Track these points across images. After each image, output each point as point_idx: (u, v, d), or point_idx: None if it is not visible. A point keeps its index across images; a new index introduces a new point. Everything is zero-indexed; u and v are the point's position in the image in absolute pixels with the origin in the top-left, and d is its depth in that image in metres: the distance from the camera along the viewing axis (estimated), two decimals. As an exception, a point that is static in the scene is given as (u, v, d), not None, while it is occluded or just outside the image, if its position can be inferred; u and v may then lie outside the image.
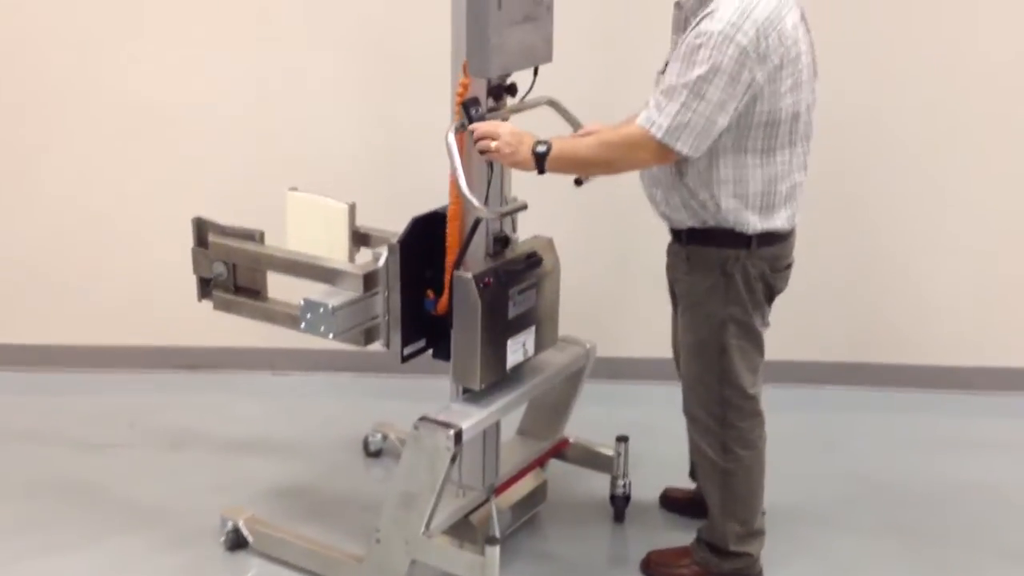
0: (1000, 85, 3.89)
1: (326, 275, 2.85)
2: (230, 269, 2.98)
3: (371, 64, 3.98)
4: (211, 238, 2.98)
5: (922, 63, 3.88)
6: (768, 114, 2.57)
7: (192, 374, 4.25)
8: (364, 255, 2.99)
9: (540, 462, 3.30)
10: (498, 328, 2.80)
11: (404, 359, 2.88)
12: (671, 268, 2.89)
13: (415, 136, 3.84)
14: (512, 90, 2.75)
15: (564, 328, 3.09)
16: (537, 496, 3.28)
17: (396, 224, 2.89)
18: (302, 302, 2.79)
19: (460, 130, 2.64)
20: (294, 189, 3.02)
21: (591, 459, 3.37)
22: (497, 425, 3.01)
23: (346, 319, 2.79)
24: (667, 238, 2.85)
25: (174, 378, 4.23)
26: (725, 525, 2.94)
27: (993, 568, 3.16)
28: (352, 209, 2.97)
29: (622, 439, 3.29)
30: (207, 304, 3.05)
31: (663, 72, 2.64)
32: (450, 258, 2.78)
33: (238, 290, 3.01)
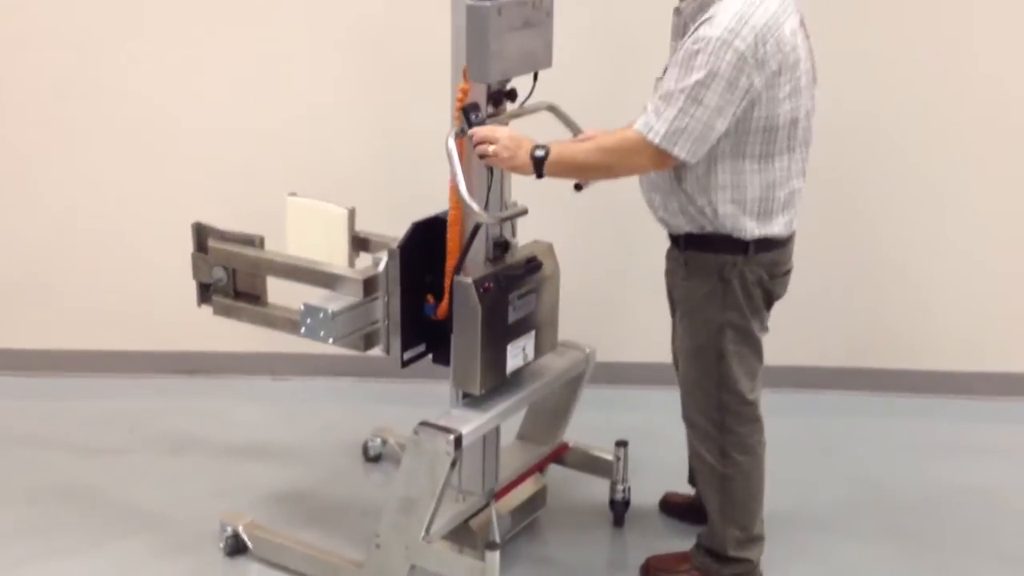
0: (998, 90, 3.90)
1: (326, 280, 2.86)
2: (230, 274, 2.98)
3: (371, 69, 3.99)
4: (211, 243, 2.98)
5: (920, 69, 3.88)
6: (766, 120, 2.58)
7: (192, 379, 4.25)
8: (364, 260, 2.99)
9: (540, 467, 3.30)
10: (498, 333, 2.81)
11: (404, 364, 2.88)
12: (670, 273, 2.89)
13: (415, 141, 3.85)
14: (512, 95, 2.76)
15: (564, 333, 3.09)
16: (537, 501, 3.28)
17: (395, 229, 2.89)
18: (302, 307, 2.79)
19: (460, 135, 2.65)
20: (293, 194, 3.02)
21: (591, 464, 3.37)
22: (497, 430, 3.01)
23: (346, 324, 2.79)
24: (666, 243, 2.85)
25: (174, 383, 4.23)
26: (724, 530, 2.94)
27: (992, 572, 3.16)
28: (352, 214, 2.97)
29: (621, 444, 3.29)
30: (207, 309, 3.05)
31: (662, 78, 2.65)
32: (450, 263, 2.78)
33: (238, 295, 3.01)
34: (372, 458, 3.68)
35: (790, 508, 3.35)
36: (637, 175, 2.77)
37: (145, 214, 4.13)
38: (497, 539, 2.95)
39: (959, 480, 3.60)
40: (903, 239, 4.06)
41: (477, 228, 2.74)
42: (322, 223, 2.97)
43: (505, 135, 2.61)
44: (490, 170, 2.72)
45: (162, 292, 4.01)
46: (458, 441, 2.70)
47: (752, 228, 2.67)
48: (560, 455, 3.36)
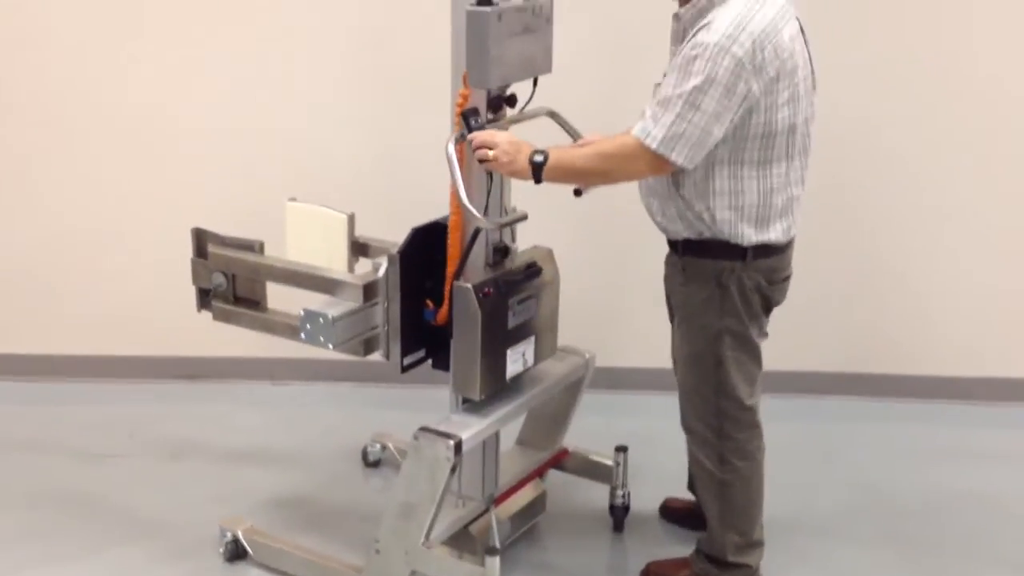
0: (998, 98, 3.90)
1: (326, 285, 2.86)
2: (229, 279, 2.99)
3: (371, 74, 3.99)
4: (210, 248, 2.99)
5: (919, 77, 3.88)
6: (764, 126, 2.58)
7: (192, 384, 4.25)
8: (363, 265, 2.99)
9: (539, 472, 3.30)
10: (498, 338, 2.81)
11: (404, 369, 2.88)
12: (668, 279, 2.89)
13: (415, 147, 3.85)
14: (512, 101, 2.76)
15: (563, 338, 3.09)
16: (536, 506, 3.28)
17: (395, 234, 2.89)
18: (302, 312, 2.80)
19: (460, 141, 2.65)
20: (293, 199, 3.02)
21: (590, 469, 3.37)
22: (497, 435, 3.02)
23: (346, 329, 2.79)
24: (666, 248, 2.85)
25: (174, 388, 4.23)
26: (724, 536, 2.94)
27: (992, 578, 3.17)
28: (351, 219, 2.97)
29: (621, 449, 3.29)
30: (207, 314, 3.06)
31: (660, 83, 2.65)
32: (451, 268, 2.78)
33: (237, 300, 3.01)
34: (372, 463, 3.68)
35: (790, 513, 3.35)
36: (636, 180, 2.77)
37: (145, 219, 4.13)
38: (497, 544, 2.95)
39: (959, 485, 3.60)
40: (903, 245, 4.06)
41: (477, 233, 2.74)
42: (322, 228, 2.97)
43: (504, 140, 2.61)
44: (489, 175, 2.72)
45: (162, 297, 4.01)
46: (458, 446, 2.70)
47: (750, 234, 2.67)
48: (560, 460, 3.36)
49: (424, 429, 2.75)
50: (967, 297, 4.08)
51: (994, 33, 3.85)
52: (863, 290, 4.11)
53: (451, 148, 2.63)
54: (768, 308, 2.81)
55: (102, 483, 3.55)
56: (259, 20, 3.95)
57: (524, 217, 2.80)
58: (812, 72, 2.71)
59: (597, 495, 3.38)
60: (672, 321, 2.97)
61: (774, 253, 2.74)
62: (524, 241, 3.01)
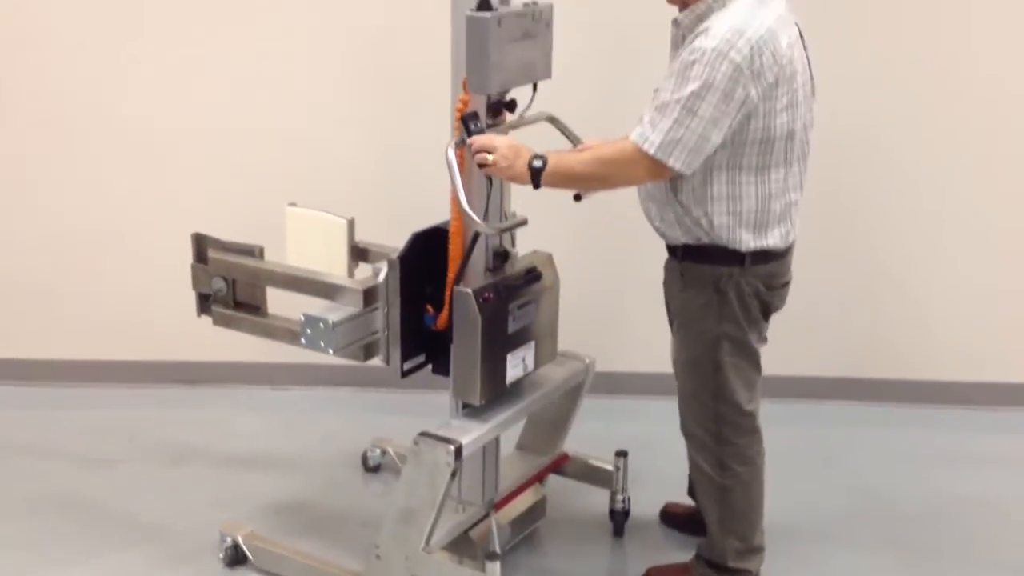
0: (997, 101, 3.90)
1: (326, 290, 2.86)
2: (230, 285, 2.99)
3: (371, 79, 3.99)
4: (211, 254, 2.99)
5: (918, 82, 3.89)
6: (763, 132, 2.57)
7: (192, 389, 4.25)
8: (363, 270, 2.99)
9: (539, 477, 3.30)
10: (498, 343, 2.81)
11: (404, 374, 2.88)
12: (667, 284, 2.89)
13: (415, 151, 3.85)
14: (511, 106, 2.77)
15: (563, 343, 3.09)
16: (536, 511, 3.27)
17: (394, 239, 2.89)
18: (302, 317, 2.80)
19: (460, 145, 2.65)
20: (293, 204, 3.03)
21: (590, 474, 3.37)
22: (497, 440, 3.01)
23: (346, 334, 2.79)
24: (666, 254, 2.85)
25: (174, 393, 4.23)
26: (724, 542, 2.94)
27: (991, 583, 3.17)
28: (351, 224, 2.97)
29: (621, 454, 3.29)
30: (207, 319, 3.06)
31: (659, 89, 2.65)
32: (452, 274, 2.78)
33: (238, 305, 3.01)
34: (372, 468, 3.67)
35: (790, 518, 3.35)
36: (635, 186, 2.77)
37: (144, 223, 4.13)
38: (497, 549, 2.95)
39: (958, 490, 3.60)
40: (902, 250, 4.06)
41: (476, 237, 2.74)
42: (322, 233, 2.98)
43: (504, 144, 2.61)
44: (489, 180, 2.72)
45: (162, 302, 4.01)
46: (458, 451, 2.70)
47: (748, 240, 2.67)
48: (560, 465, 3.36)
49: (424, 434, 2.75)
50: (966, 302, 4.09)
51: (993, 37, 3.86)
52: (862, 295, 4.11)
53: (451, 153, 2.63)
54: (767, 314, 2.81)
55: (102, 488, 3.55)
56: (259, 21, 3.95)
57: (524, 222, 2.81)
58: (811, 78, 2.71)
59: (597, 500, 3.37)
60: (672, 326, 2.97)
61: (773, 259, 2.74)
62: (524, 246, 3.01)
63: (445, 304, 2.79)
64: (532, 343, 2.93)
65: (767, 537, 3.01)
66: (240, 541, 3.12)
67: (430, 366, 2.94)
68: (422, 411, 3.21)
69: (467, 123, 2.64)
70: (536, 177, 2.60)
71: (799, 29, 2.68)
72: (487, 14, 2.56)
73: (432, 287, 2.84)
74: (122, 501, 3.48)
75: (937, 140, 3.94)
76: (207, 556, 3.16)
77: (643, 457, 3.45)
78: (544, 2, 2.74)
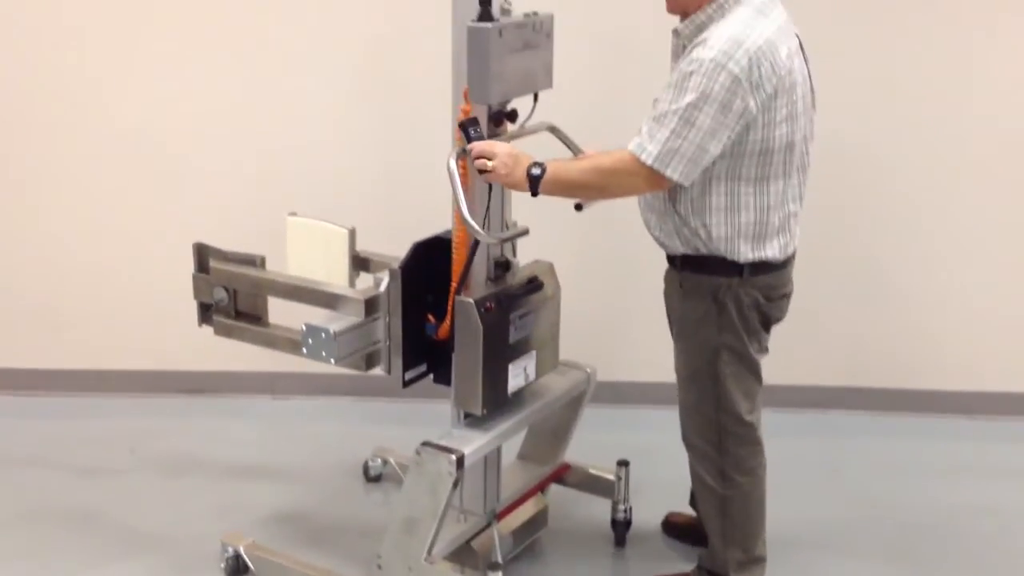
0: (999, 113, 3.90)
1: (328, 300, 2.86)
2: (231, 294, 2.99)
3: (372, 89, 4.00)
4: (212, 263, 2.99)
5: (920, 91, 3.89)
6: (762, 143, 2.57)
7: (193, 398, 4.25)
8: (364, 280, 2.99)
9: (541, 487, 3.30)
10: (499, 353, 2.81)
11: (405, 384, 2.88)
12: (667, 294, 2.89)
13: (416, 161, 3.87)
14: (512, 116, 2.77)
15: (565, 352, 3.09)
16: (538, 521, 3.27)
17: (396, 249, 2.90)
18: (303, 327, 2.80)
19: (462, 156, 2.66)
20: (294, 214, 3.03)
21: (592, 484, 3.37)
22: (498, 450, 3.01)
23: (347, 344, 2.79)
24: (666, 263, 2.85)
25: (175, 403, 4.23)
26: (726, 552, 2.93)
27: (995, 593, 3.16)
28: (352, 234, 2.97)
29: (623, 464, 3.29)
30: (208, 329, 3.06)
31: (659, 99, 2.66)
32: (455, 283, 2.78)
33: (239, 315, 3.01)
34: (373, 478, 3.67)
35: (791, 528, 3.34)
36: (633, 196, 2.77)
37: (146, 234, 4.13)
38: (499, 559, 2.95)
39: (959, 499, 3.59)
40: (903, 260, 4.06)
41: (476, 246, 2.74)
42: (323, 243, 2.98)
43: (504, 151, 2.61)
44: (489, 188, 2.72)
45: (163, 311, 4.02)
46: (460, 461, 2.70)
47: (746, 251, 2.67)
48: (561, 475, 3.36)
49: (426, 444, 2.75)
50: (967, 312, 4.08)
51: (994, 50, 3.86)
52: (864, 305, 4.11)
53: (453, 163, 2.63)
54: (767, 325, 2.81)
55: (103, 498, 3.55)
56: (263, 32, 3.96)
57: (525, 232, 2.80)
58: (812, 90, 2.71)
59: (599, 510, 3.37)
60: (673, 336, 2.97)
61: (772, 270, 2.73)
62: (525, 255, 3.01)
63: (447, 314, 2.79)
64: (533, 353, 2.93)
65: (769, 547, 3.00)
66: (242, 551, 3.11)
67: (431, 376, 2.94)
68: (423, 421, 3.21)
69: (466, 129, 2.65)
70: (534, 184, 2.60)
71: (799, 40, 2.68)
72: (488, 25, 2.56)
73: (433, 296, 2.84)
74: (123, 511, 3.48)
75: (938, 151, 3.94)
76: (209, 566, 3.16)
77: (645, 467, 3.45)
78: (545, 13, 2.75)
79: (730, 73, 2.47)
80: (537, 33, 2.71)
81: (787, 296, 2.84)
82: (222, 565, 3.12)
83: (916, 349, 4.13)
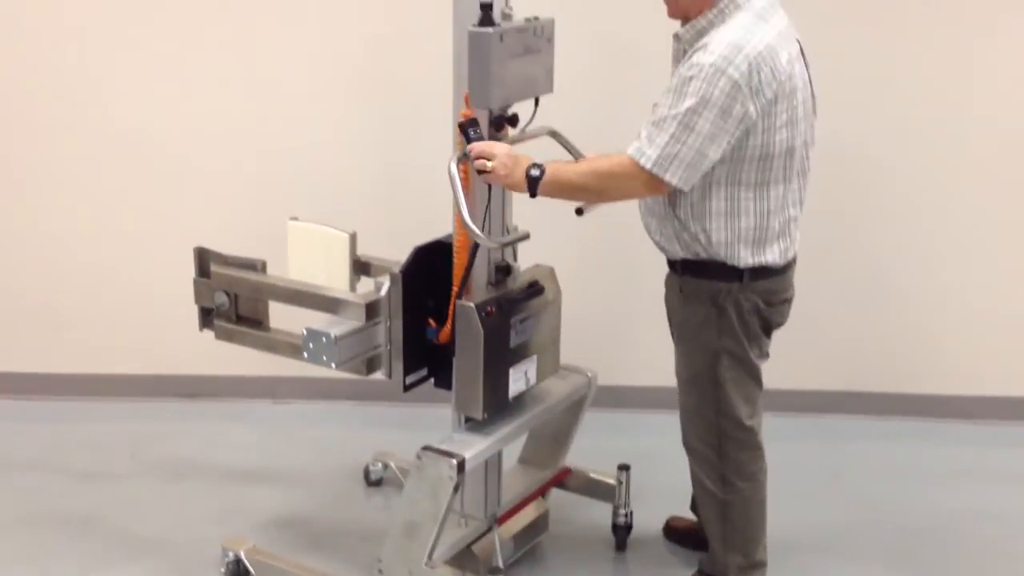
0: (999, 116, 3.91)
1: (328, 304, 2.86)
2: (232, 299, 2.99)
3: (373, 93, 4.00)
4: (213, 268, 2.99)
5: (920, 95, 3.90)
6: (762, 148, 2.57)
7: (193, 403, 4.25)
8: (365, 284, 3.00)
9: (542, 491, 3.29)
10: (500, 357, 2.81)
11: (406, 388, 2.88)
12: (668, 299, 2.89)
13: (416, 165, 3.87)
14: (513, 121, 2.77)
15: (566, 357, 3.09)
16: (539, 526, 3.27)
17: (397, 253, 2.90)
18: (304, 331, 2.80)
19: (463, 160, 2.66)
20: (295, 218, 3.03)
21: (593, 488, 3.36)
22: (499, 454, 3.01)
23: (348, 348, 2.79)
24: (667, 268, 2.85)
25: (175, 407, 4.23)
26: (726, 557, 2.93)
27: (996, 597, 3.16)
28: (353, 238, 2.97)
29: (624, 468, 3.29)
30: (209, 333, 3.06)
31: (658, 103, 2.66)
32: (456, 287, 2.78)
33: (240, 320, 3.01)
34: (373, 482, 3.67)
35: (792, 533, 3.34)
36: (632, 199, 2.77)
37: (147, 237, 4.13)
38: (500, 564, 2.95)
39: (960, 504, 3.59)
40: (904, 264, 4.06)
41: (476, 250, 2.74)
42: (323, 247, 2.98)
43: (503, 152, 2.61)
44: (489, 191, 2.72)
45: (163, 315, 4.02)
46: (461, 466, 2.70)
47: (746, 256, 2.67)
48: (562, 479, 3.36)
49: (427, 448, 2.75)
50: (968, 316, 4.08)
51: (994, 53, 3.87)
52: (865, 309, 4.11)
53: (454, 167, 2.63)
54: (768, 329, 2.81)
55: (103, 502, 3.55)
56: (262, 34, 3.96)
57: (526, 236, 2.81)
58: (812, 95, 2.71)
59: (599, 514, 3.37)
60: (674, 340, 2.97)
61: (771, 275, 2.73)
62: (526, 260, 3.01)
63: (448, 318, 2.79)
64: (534, 357, 2.93)
65: (769, 551, 3.00)
66: (242, 556, 3.11)
67: (432, 380, 2.94)
68: (424, 425, 3.21)
69: (466, 130, 2.65)
70: (533, 185, 2.60)
71: (800, 46, 2.68)
72: (489, 29, 2.57)
73: (434, 301, 2.84)
74: (123, 516, 3.47)
75: (938, 152, 3.95)
76: (209, 571, 3.15)
77: (645, 471, 3.45)
78: (546, 17, 2.75)
79: (730, 78, 2.47)
80: (538, 38, 2.71)
81: (788, 301, 2.84)
82: (222, 569, 3.12)
83: (916, 353, 4.14)
